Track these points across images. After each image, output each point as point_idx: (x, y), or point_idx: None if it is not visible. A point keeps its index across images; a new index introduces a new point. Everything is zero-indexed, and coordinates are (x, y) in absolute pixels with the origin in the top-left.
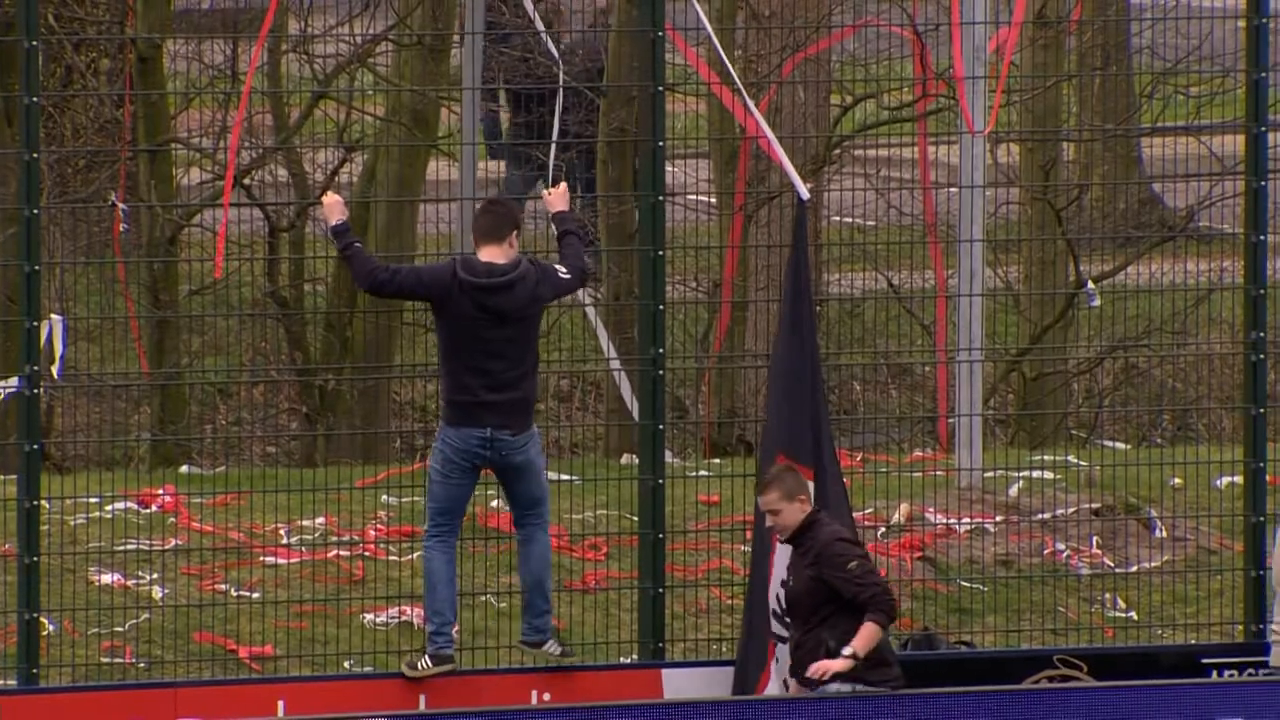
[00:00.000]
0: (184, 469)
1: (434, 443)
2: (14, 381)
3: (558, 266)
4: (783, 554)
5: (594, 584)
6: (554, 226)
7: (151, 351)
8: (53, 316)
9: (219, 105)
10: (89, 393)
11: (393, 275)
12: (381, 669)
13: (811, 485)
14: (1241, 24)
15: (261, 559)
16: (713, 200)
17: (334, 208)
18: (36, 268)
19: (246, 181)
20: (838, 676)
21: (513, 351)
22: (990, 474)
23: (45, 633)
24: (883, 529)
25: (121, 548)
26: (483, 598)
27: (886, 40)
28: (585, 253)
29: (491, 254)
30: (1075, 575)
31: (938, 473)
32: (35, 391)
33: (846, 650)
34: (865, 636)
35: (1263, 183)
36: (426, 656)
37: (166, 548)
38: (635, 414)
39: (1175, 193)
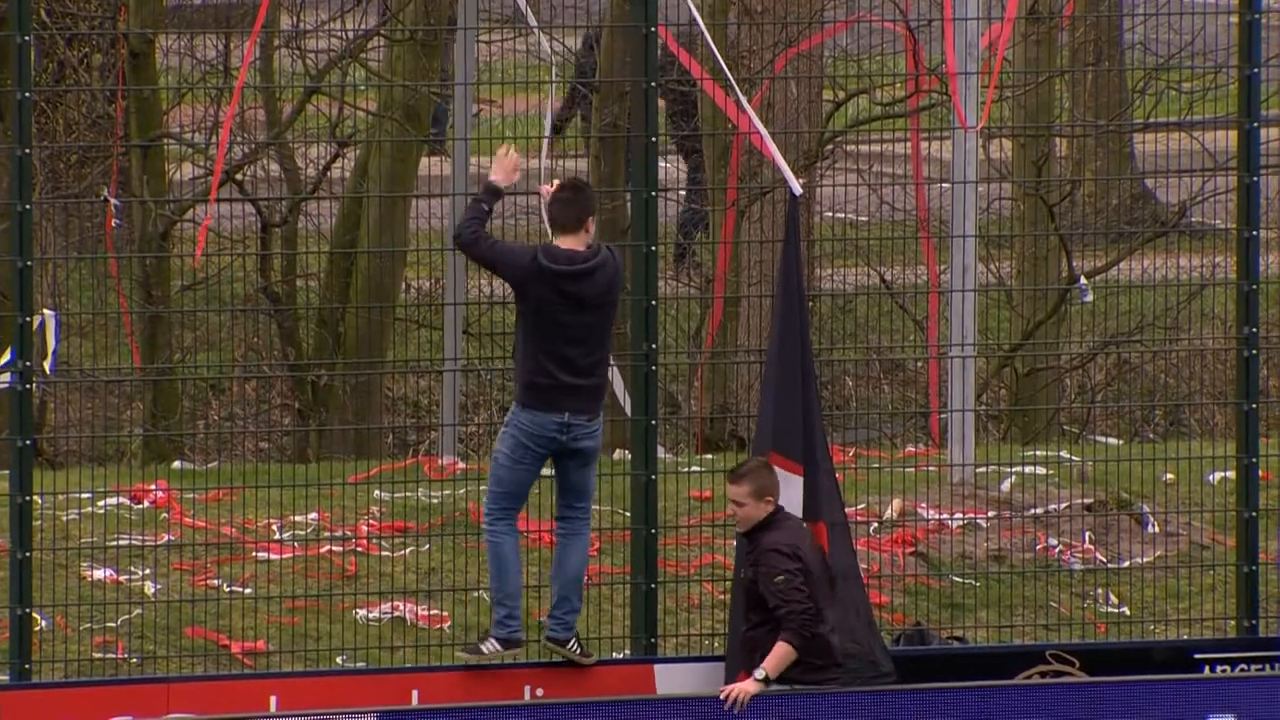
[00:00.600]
0: (176, 464)
1: (503, 426)
2: (6, 374)
3: None
4: None
5: (586, 579)
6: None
7: (144, 347)
8: (45, 312)
9: (211, 100)
10: (81, 388)
11: (477, 240)
12: (374, 664)
13: (801, 481)
14: (1234, 19)
15: (254, 554)
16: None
17: (508, 167)
18: (29, 263)
19: (239, 177)
20: (783, 679)
21: (591, 338)
22: (982, 469)
23: (38, 628)
24: (875, 524)
25: (114, 543)
26: (475, 593)
27: (879, 35)
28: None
29: (570, 242)
30: (1067, 570)
31: (930, 468)
32: (28, 387)
33: (759, 673)
34: (776, 656)
35: (1255, 178)
36: (494, 640)
37: (159, 543)
38: (628, 409)
39: (1168, 188)
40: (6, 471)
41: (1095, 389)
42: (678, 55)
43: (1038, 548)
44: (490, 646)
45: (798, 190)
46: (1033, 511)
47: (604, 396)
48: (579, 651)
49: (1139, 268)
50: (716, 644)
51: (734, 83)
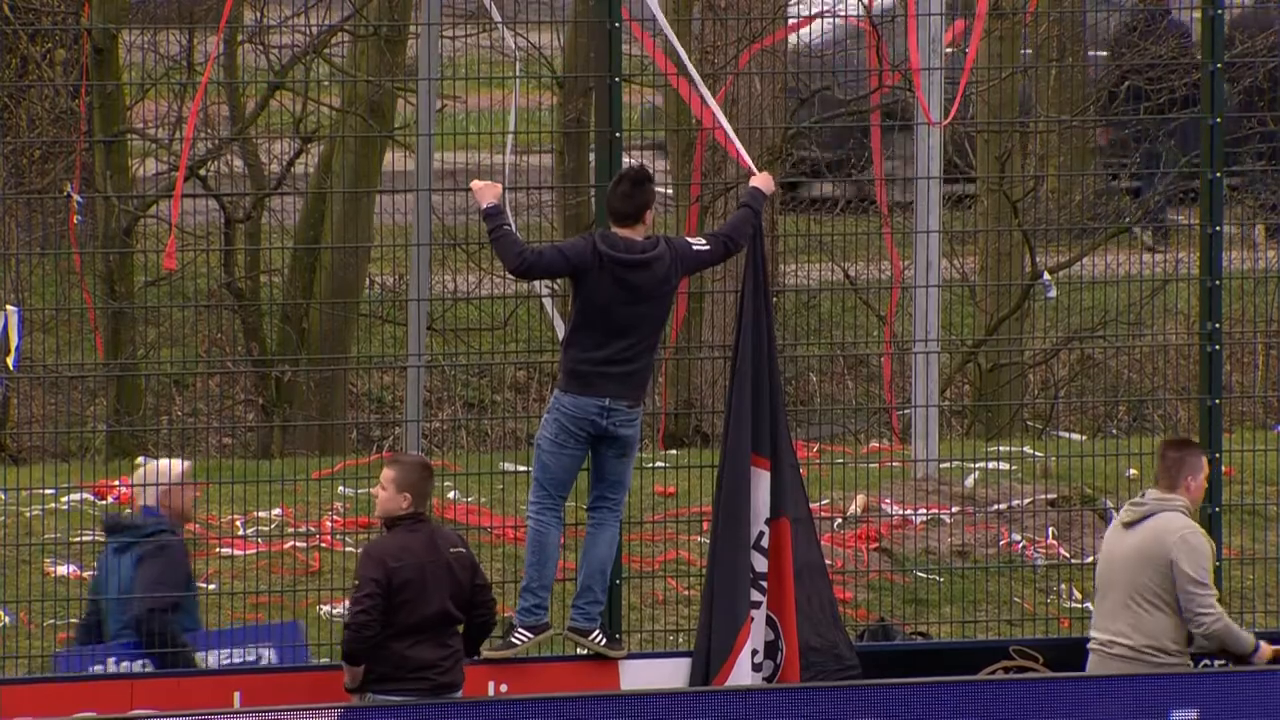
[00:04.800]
0: (140, 460)
1: (545, 414)
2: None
3: (693, 241)
4: (758, 517)
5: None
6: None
7: (107, 343)
8: (8, 308)
9: (175, 96)
10: (45, 384)
11: (539, 256)
12: (338, 661)
13: (768, 476)
14: (1197, 15)
15: (218, 550)
16: (669, 191)
17: (486, 191)
18: None
19: (202, 172)
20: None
21: (641, 328)
22: (946, 465)
23: (1, 624)
24: (839, 520)
25: (78, 539)
26: None
27: (843, 31)
28: (750, 226)
29: (627, 232)
30: (1031, 566)
31: (894, 464)
32: None
33: None
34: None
35: (1218, 174)
36: (522, 630)
37: None
38: None
39: (1131, 184)
40: None
41: (1059, 385)
42: (648, 50)
43: (1001, 543)
44: (521, 637)
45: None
46: (996, 507)
47: (646, 385)
48: (603, 643)
49: (1102, 263)
50: (682, 640)
51: (698, 78)
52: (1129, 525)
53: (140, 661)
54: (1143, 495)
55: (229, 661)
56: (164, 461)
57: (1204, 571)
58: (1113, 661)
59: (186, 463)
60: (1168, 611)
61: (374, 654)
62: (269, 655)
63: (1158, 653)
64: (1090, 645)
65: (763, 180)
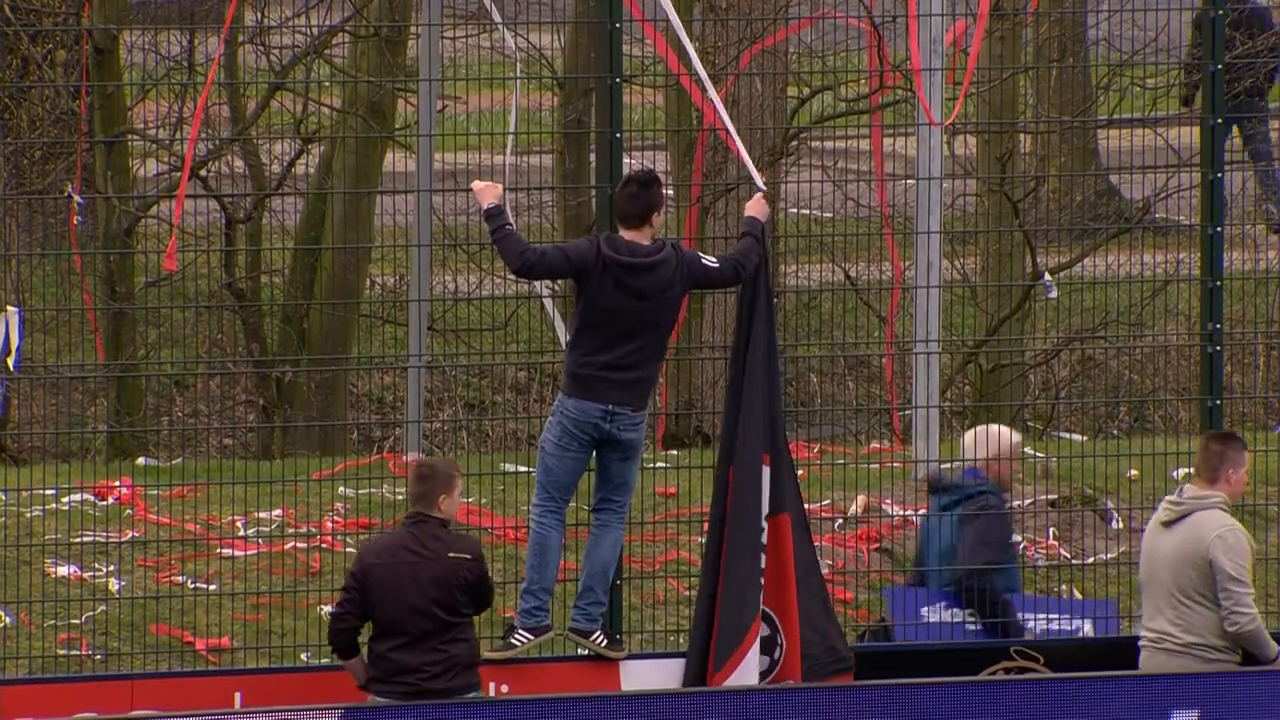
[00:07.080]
0: (141, 461)
1: (549, 416)
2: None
3: (704, 256)
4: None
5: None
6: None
7: (108, 344)
8: (9, 309)
9: (175, 96)
10: (45, 385)
11: (541, 256)
12: (339, 661)
13: (768, 473)
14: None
15: (218, 551)
16: (669, 192)
17: (487, 192)
18: None
19: (203, 173)
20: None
21: (645, 332)
22: (947, 465)
23: (1, 625)
24: (840, 521)
25: (78, 540)
26: None
27: (843, 32)
28: (756, 254)
29: (633, 235)
30: (1032, 567)
31: (894, 464)
32: None
33: None
34: None
35: (1219, 175)
36: (522, 631)
37: (123, 540)
38: None
39: (1132, 185)
40: None
41: (1060, 385)
42: (659, 50)
43: None
44: (521, 638)
45: (762, 187)
46: None
47: (651, 390)
48: (604, 644)
49: (1103, 264)
50: (682, 640)
51: (704, 74)
52: (1168, 524)
53: (959, 613)
54: (1180, 493)
55: (1047, 630)
56: (994, 428)
57: (1243, 569)
58: (1161, 656)
59: (1017, 436)
60: (1212, 607)
61: (369, 654)
62: (1086, 627)
63: (1206, 649)
64: (1141, 642)
65: (758, 209)
